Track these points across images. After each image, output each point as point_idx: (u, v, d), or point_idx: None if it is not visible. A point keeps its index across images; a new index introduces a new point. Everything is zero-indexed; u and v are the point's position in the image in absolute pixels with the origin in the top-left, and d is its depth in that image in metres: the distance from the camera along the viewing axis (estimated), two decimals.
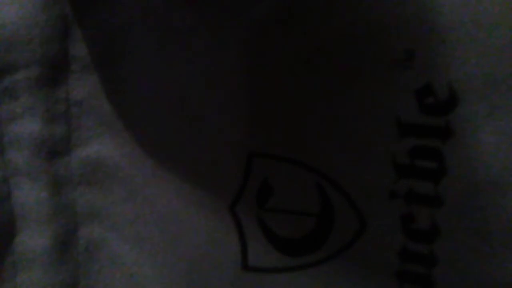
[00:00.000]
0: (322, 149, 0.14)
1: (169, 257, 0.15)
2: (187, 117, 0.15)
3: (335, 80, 0.14)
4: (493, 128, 0.13)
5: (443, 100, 0.13)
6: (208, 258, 0.15)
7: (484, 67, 0.12)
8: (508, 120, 0.12)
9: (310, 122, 0.14)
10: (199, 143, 0.15)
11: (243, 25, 0.14)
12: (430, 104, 0.13)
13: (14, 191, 0.15)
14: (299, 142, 0.14)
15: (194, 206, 0.15)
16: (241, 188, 0.15)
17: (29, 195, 0.15)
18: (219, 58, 0.14)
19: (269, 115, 0.14)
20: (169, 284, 0.15)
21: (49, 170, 0.15)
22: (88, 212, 0.15)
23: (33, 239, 0.15)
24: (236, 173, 0.15)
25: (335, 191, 0.14)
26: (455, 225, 0.13)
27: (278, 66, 0.14)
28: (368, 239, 0.14)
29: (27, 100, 0.15)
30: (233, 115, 0.14)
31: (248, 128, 0.14)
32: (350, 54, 0.13)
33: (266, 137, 0.14)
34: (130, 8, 0.14)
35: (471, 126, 0.13)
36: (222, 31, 0.14)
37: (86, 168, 0.15)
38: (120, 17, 0.15)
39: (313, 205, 0.14)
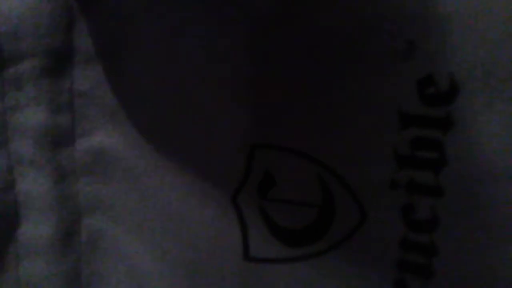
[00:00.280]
0: (324, 140, 0.14)
1: (170, 247, 0.15)
2: (190, 109, 0.15)
3: (337, 71, 0.14)
4: (493, 118, 0.13)
5: (444, 90, 0.13)
6: (210, 248, 0.15)
7: (484, 57, 0.12)
8: (509, 110, 0.13)
9: (312, 113, 0.14)
10: (201, 134, 0.15)
11: (246, 20, 0.14)
12: (431, 94, 0.13)
13: (18, 180, 0.15)
14: (301, 134, 0.14)
15: (196, 197, 0.15)
16: (243, 179, 0.15)
17: (33, 185, 0.15)
18: (221, 51, 0.14)
19: (271, 107, 0.14)
20: (171, 275, 0.15)
21: (52, 160, 0.15)
22: (91, 203, 0.16)
23: (36, 229, 0.15)
24: (238, 164, 0.15)
25: (336, 182, 0.14)
26: (455, 215, 0.13)
27: (280, 58, 0.14)
28: (369, 230, 0.14)
29: (31, 90, 0.15)
30: (236, 107, 0.14)
31: (251, 119, 0.14)
32: (352, 46, 0.13)
33: (268, 129, 0.14)
34: (134, 1, 0.15)
35: (471, 116, 0.13)
36: (224, 25, 0.14)
37: (89, 158, 0.15)
38: (124, 9, 0.15)
39: (314, 196, 0.14)
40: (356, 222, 0.14)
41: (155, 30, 0.15)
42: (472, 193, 0.13)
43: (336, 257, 0.14)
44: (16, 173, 0.15)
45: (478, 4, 0.12)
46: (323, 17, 0.13)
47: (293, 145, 0.14)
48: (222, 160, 0.15)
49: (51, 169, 0.15)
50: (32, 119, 0.15)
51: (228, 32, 0.14)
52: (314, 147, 0.14)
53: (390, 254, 0.14)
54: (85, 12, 0.15)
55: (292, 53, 0.14)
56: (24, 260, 0.15)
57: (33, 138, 0.15)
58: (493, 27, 0.12)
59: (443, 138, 0.13)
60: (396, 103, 0.13)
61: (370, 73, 0.13)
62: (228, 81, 0.14)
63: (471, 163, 0.13)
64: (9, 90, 0.15)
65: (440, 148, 0.13)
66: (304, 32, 0.14)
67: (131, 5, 0.15)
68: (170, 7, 0.14)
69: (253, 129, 0.14)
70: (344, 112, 0.14)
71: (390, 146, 0.14)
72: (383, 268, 0.14)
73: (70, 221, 0.15)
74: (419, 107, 0.13)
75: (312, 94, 0.14)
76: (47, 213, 0.15)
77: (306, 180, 0.14)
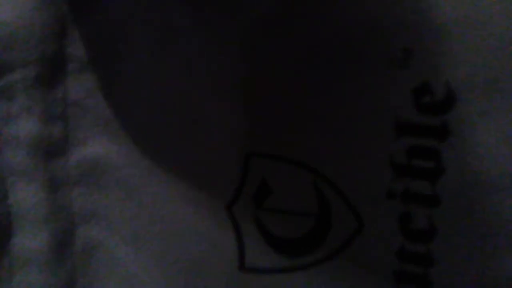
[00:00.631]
0: (320, 148, 0.14)
1: (166, 257, 0.15)
2: (185, 117, 0.15)
3: (333, 79, 0.14)
4: (490, 127, 0.13)
5: (440, 99, 0.13)
6: (205, 258, 0.15)
7: (482, 66, 0.12)
8: (506, 119, 0.12)
9: (308, 121, 0.14)
10: (197, 142, 0.15)
11: (242, 24, 0.14)
12: (427, 103, 0.13)
13: (11, 191, 0.15)
14: (297, 142, 0.14)
15: (191, 206, 0.15)
16: (239, 188, 0.15)
17: (26, 196, 0.15)
18: (218, 57, 0.14)
19: (267, 114, 0.14)
20: (166, 284, 0.15)
21: (46, 171, 0.15)
22: (85, 213, 0.15)
23: (30, 240, 0.15)
24: (234, 172, 0.15)
25: (332, 191, 0.14)
26: (452, 225, 0.13)
27: (277, 65, 0.14)
28: (365, 239, 0.14)
29: (24, 100, 0.15)
30: (232, 114, 0.14)
31: (247, 127, 0.14)
32: (349, 53, 0.13)
33: (264, 137, 0.14)
34: (128, 8, 0.14)
35: (468, 125, 0.13)
36: (221, 30, 0.14)
37: (83, 168, 0.15)
38: (118, 17, 0.15)
39: (310, 205, 0.14)
40: (353, 231, 0.14)
41: (149, 36, 0.14)
42: (469, 202, 0.13)
43: (332, 267, 0.14)
44: (9, 184, 0.15)
45: (477, 11, 0.12)
46: (323, 18, 0.13)
47: (289, 153, 0.14)
48: (218, 169, 0.15)
49: (44, 180, 0.15)
50: (24, 129, 0.15)
51: (227, 32, 0.14)
52: (310, 156, 0.14)
53: (387, 264, 0.14)
54: (78, 20, 0.15)
55: (289, 60, 0.14)
56: (17, 271, 0.15)
57: (25, 148, 0.15)
58: (491, 35, 0.12)
59: (439, 147, 0.13)
60: (392, 111, 0.13)
61: (367, 80, 0.13)
62: (224, 89, 0.14)
63: (468, 172, 0.13)
64: (1, 100, 0.15)
65: (436, 157, 0.13)
66: (303, 33, 0.14)
67: (124, 12, 0.14)
68: (165, 10, 0.14)
69: (249, 138, 0.14)
70: (340, 120, 0.14)
71: (386, 154, 0.13)
72: (380, 278, 0.14)
73: (64, 231, 0.15)
74: (415, 115, 0.13)
75: (311, 95, 0.14)
76: (41, 224, 0.15)
77: (302, 189, 0.14)
